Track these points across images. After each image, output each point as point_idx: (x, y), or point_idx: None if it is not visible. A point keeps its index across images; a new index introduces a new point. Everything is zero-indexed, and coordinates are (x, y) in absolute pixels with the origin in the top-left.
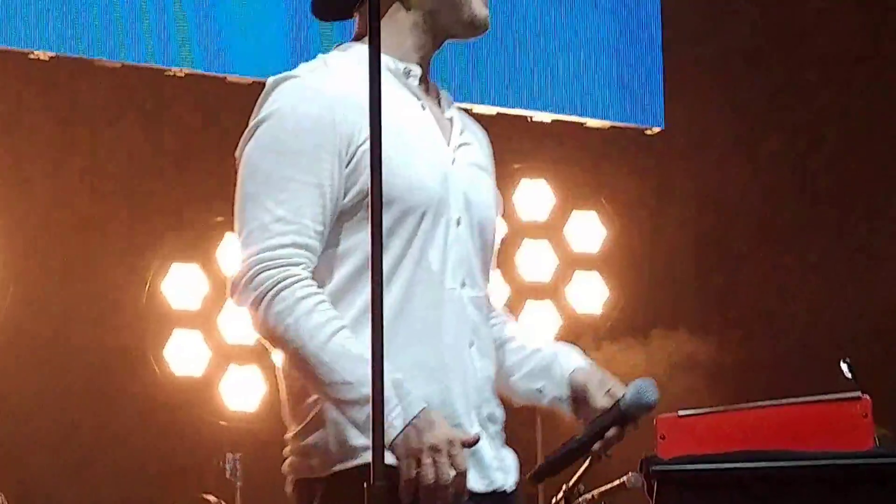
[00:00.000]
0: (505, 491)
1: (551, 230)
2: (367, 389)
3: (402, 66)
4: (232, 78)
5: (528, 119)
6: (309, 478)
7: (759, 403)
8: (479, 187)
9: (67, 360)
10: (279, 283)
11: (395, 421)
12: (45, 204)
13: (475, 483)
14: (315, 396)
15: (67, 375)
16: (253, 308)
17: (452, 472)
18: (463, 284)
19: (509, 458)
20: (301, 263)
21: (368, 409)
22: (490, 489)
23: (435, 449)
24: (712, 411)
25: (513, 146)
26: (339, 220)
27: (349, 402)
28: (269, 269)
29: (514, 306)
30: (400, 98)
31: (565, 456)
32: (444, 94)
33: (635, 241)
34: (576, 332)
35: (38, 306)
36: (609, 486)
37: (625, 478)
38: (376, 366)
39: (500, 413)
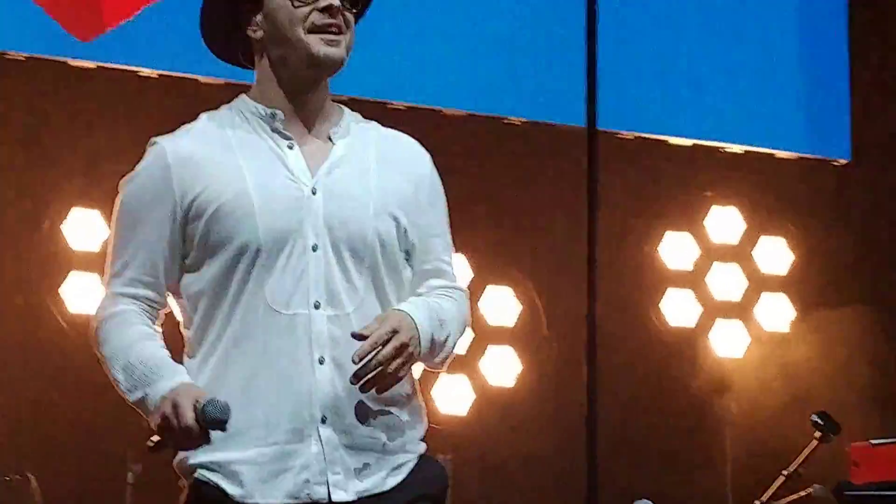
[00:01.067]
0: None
1: (740, 254)
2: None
3: (267, 110)
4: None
5: (721, 150)
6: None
7: None
8: (347, 211)
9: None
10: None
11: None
12: None
13: (319, 490)
14: None
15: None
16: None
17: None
18: (317, 306)
19: (375, 468)
20: (123, 304)
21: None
22: (343, 499)
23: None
24: None
25: (705, 175)
26: (189, 266)
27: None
28: (99, 311)
29: (704, 324)
30: (257, 142)
31: None
32: (346, 124)
33: (819, 265)
34: (762, 350)
35: None
36: (796, 496)
37: (811, 489)
38: None
39: (367, 427)
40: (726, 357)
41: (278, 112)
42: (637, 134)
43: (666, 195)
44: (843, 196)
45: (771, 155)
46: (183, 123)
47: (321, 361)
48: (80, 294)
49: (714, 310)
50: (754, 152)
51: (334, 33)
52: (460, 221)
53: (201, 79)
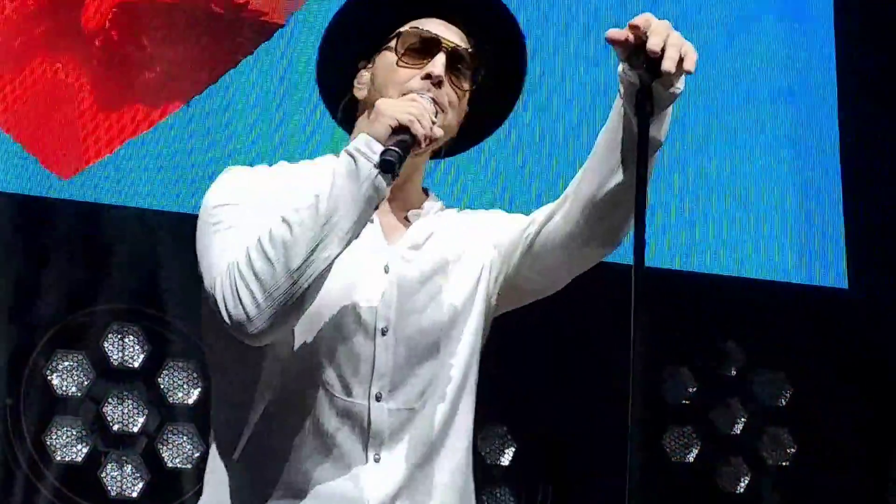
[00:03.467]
0: None
1: None
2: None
3: None
4: None
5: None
6: None
7: None
8: (420, 296)
9: None
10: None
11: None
12: None
13: None
14: None
15: None
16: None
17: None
18: (378, 398)
19: None
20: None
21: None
22: None
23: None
24: None
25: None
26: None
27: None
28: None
29: None
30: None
31: None
32: (431, 204)
33: None
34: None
35: None
36: None
37: None
38: None
39: None
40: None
41: None
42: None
43: None
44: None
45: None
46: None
47: (377, 460)
48: None
49: None
50: None
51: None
52: None
53: None
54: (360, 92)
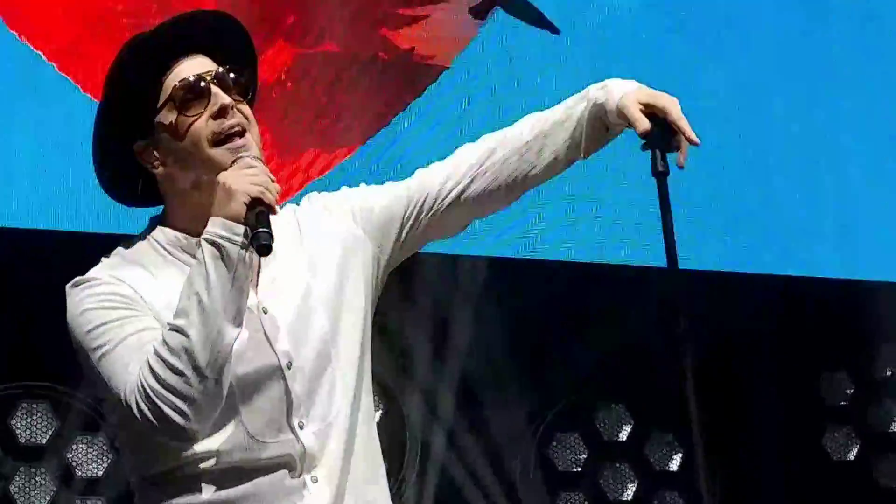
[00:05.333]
0: None
1: None
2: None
3: (191, 240)
4: None
5: None
6: None
7: None
8: (301, 321)
9: None
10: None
11: None
12: None
13: None
14: None
15: None
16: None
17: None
18: (301, 426)
19: None
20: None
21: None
22: None
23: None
24: None
25: None
26: None
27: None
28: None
29: None
30: (185, 269)
31: None
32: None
33: None
34: None
35: None
36: None
37: None
38: None
39: None
40: None
41: (193, 239)
42: None
43: None
44: None
45: None
46: None
47: (314, 481)
48: None
49: None
50: None
51: (240, 135)
52: None
53: None
54: (158, 169)
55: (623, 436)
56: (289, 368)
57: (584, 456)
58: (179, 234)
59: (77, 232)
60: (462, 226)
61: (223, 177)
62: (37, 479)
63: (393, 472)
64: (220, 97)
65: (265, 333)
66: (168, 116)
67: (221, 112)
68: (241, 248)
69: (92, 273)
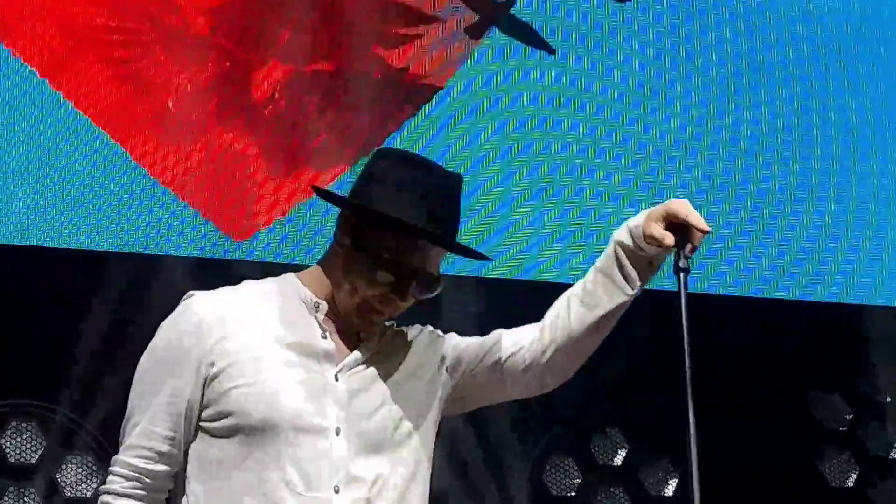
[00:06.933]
0: None
1: None
2: None
3: (313, 299)
4: None
5: None
6: None
7: None
8: (367, 400)
9: None
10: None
11: None
12: None
13: None
14: None
15: None
16: None
17: None
18: (336, 490)
19: None
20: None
21: None
22: None
23: None
24: None
25: None
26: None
27: None
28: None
29: None
30: (296, 321)
31: None
32: (379, 330)
33: None
34: None
35: None
36: None
37: None
38: None
39: None
40: None
41: (322, 303)
42: None
43: None
44: None
45: None
46: None
47: None
48: None
49: None
50: None
51: (389, 314)
52: None
53: None
54: (343, 240)
55: (618, 460)
56: (337, 434)
57: (579, 480)
58: (305, 289)
59: (61, 248)
60: (492, 397)
61: None
62: (25, 499)
63: None
64: (415, 288)
65: (329, 395)
66: (385, 236)
67: (405, 286)
68: None
69: (200, 299)
